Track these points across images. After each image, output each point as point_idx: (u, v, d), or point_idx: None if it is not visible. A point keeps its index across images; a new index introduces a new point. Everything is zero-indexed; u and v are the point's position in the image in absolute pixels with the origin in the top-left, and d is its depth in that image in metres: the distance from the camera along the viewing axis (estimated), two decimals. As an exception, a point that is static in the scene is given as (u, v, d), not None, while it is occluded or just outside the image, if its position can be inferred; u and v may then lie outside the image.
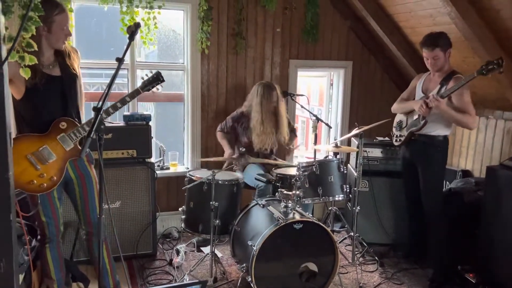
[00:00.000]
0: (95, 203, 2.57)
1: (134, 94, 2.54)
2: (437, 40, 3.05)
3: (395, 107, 3.53)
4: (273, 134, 3.71)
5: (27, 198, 2.44)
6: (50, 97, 2.40)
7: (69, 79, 2.46)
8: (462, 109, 3.05)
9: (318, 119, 3.58)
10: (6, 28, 1.29)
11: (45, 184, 2.35)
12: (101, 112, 1.82)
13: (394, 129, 3.58)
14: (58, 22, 2.29)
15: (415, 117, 3.26)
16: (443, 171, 3.32)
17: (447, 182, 3.92)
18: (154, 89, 2.58)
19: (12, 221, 1.36)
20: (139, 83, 2.61)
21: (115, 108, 2.45)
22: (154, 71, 2.59)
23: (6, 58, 1.16)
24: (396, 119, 3.55)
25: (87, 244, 2.70)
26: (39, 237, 2.58)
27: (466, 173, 4.01)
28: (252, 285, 2.75)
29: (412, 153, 3.37)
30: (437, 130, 3.18)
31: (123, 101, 2.47)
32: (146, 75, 2.60)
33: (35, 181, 2.31)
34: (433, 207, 3.25)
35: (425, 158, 3.24)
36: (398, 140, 3.48)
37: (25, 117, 2.39)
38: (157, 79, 2.55)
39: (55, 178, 2.38)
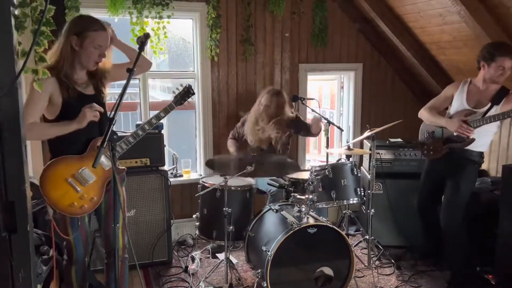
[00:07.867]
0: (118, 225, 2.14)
1: (168, 109, 2.56)
2: None
3: (424, 116, 3.30)
4: (265, 131, 3.64)
5: (46, 209, 2.43)
6: None
7: (102, 99, 2.42)
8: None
9: (329, 123, 3.56)
10: (19, 43, 1.32)
11: (85, 206, 2.30)
12: (113, 122, 1.84)
13: (424, 137, 3.38)
14: (92, 38, 2.20)
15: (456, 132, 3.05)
16: (474, 186, 3.25)
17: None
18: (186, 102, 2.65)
19: (30, 232, 1.38)
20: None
21: (150, 124, 2.49)
22: (184, 84, 2.63)
23: (20, 73, 1.19)
24: (427, 128, 3.35)
25: (106, 268, 2.56)
26: (65, 256, 2.50)
27: (482, 173, 3.95)
28: (267, 291, 2.74)
29: (445, 167, 3.20)
30: (478, 147, 3.07)
31: (158, 117, 2.51)
32: (177, 88, 2.64)
33: (76, 204, 2.27)
34: (454, 219, 3.15)
35: (462, 173, 3.11)
36: (429, 151, 3.29)
37: (61, 138, 2.25)
38: (188, 92, 2.61)
39: (95, 199, 2.34)
